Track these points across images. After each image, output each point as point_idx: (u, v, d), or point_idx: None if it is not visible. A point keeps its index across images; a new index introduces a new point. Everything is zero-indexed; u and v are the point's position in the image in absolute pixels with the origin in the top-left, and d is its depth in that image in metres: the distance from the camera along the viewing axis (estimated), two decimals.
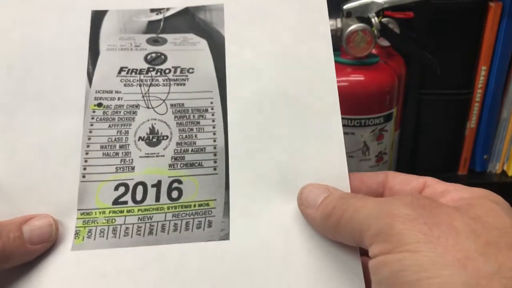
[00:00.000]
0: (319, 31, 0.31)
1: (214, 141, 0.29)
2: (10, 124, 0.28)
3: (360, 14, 0.50)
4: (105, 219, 0.27)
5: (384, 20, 0.54)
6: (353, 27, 0.49)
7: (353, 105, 0.50)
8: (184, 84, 0.30)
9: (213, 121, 0.29)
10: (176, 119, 0.29)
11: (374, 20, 0.50)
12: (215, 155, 0.28)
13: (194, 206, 0.27)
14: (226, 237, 0.26)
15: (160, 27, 0.31)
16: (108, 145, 0.28)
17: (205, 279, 0.25)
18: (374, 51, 0.53)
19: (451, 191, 0.24)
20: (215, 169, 0.28)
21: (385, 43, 0.57)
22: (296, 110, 0.29)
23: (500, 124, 0.65)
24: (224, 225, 0.27)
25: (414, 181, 0.26)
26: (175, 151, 0.28)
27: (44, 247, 0.25)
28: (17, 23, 0.30)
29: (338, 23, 0.50)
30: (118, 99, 0.29)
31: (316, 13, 0.31)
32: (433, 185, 0.25)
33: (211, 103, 0.29)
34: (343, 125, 0.51)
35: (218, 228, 0.27)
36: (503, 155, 0.66)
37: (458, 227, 0.20)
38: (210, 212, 0.27)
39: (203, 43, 0.31)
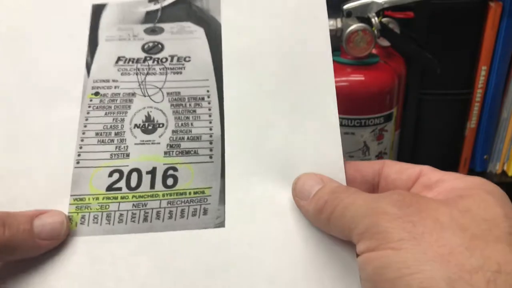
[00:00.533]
0: (316, 17, 0.31)
1: (210, 129, 0.29)
2: (10, 113, 0.29)
3: (360, 14, 0.50)
4: (99, 205, 0.27)
5: (384, 20, 0.54)
6: (353, 27, 0.49)
7: (353, 105, 0.50)
8: (180, 73, 0.30)
9: (209, 109, 0.29)
10: (172, 107, 0.29)
11: (374, 20, 0.50)
12: (211, 143, 0.28)
13: (190, 193, 0.27)
14: (221, 224, 0.26)
15: (158, 16, 0.32)
16: (104, 132, 0.28)
17: (200, 267, 0.25)
18: (374, 51, 0.53)
19: (446, 180, 0.24)
20: (211, 157, 0.28)
21: (385, 43, 0.57)
22: (293, 98, 0.29)
23: (500, 124, 0.65)
24: (219, 213, 0.27)
25: (409, 170, 0.26)
26: (171, 138, 0.28)
27: (52, 244, 0.25)
28: (18, 14, 0.31)
29: (338, 23, 0.50)
30: (115, 87, 0.30)
31: None
32: (428, 173, 0.25)
33: (208, 91, 0.30)
34: (343, 125, 0.51)
35: (213, 215, 0.27)
36: (503, 155, 0.66)
37: (444, 222, 0.20)
38: (205, 200, 0.27)
39: (199, 31, 0.31)
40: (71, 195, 0.27)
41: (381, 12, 0.55)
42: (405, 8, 0.56)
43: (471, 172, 0.68)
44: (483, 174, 0.67)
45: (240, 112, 0.29)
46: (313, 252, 0.25)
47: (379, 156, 0.55)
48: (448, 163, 0.66)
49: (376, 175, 0.27)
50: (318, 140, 0.28)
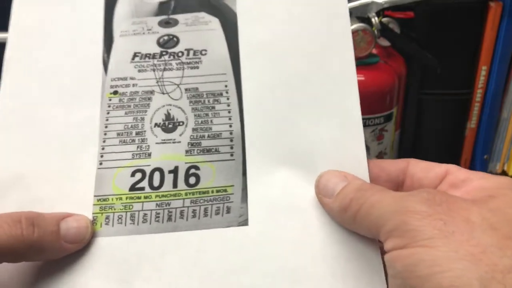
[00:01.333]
0: (337, 6, 0.29)
1: (230, 126, 0.28)
2: (32, 115, 0.28)
3: (360, 14, 0.50)
4: (122, 205, 0.26)
5: (384, 20, 0.54)
6: (353, 27, 0.49)
7: None
8: (197, 67, 0.29)
9: (228, 105, 0.28)
10: (191, 104, 0.29)
11: (374, 20, 0.50)
12: (231, 140, 0.28)
13: (212, 192, 0.27)
14: (245, 222, 0.26)
15: (171, 7, 0.31)
16: (125, 132, 0.28)
17: (225, 266, 0.25)
18: (374, 51, 0.53)
19: (473, 179, 0.24)
20: (232, 154, 0.28)
21: (385, 43, 0.57)
22: (313, 92, 0.28)
23: (500, 124, 0.65)
24: (242, 211, 0.26)
25: (436, 169, 0.26)
26: (191, 137, 0.28)
27: (76, 247, 0.25)
28: (38, 19, 0.30)
29: None
30: (133, 85, 0.29)
31: None
32: (455, 172, 0.25)
33: (226, 86, 0.29)
34: None
35: (236, 214, 0.26)
36: (503, 155, 0.66)
37: (474, 222, 0.20)
38: (228, 198, 0.27)
39: (215, 22, 0.30)
40: (94, 196, 0.27)
41: (381, 12, 0.55)
42: (405, 8, 0.56)
43: None
44: None
45: (260, 108, 0.28)
46: (336, 249, 0.25)
47: (379, 156, 0.55)
48: (448, 163, 0.66)
49: (400, 174, 0.27)
50: (340, 136, 0.27)
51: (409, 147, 0.65)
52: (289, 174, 0.27)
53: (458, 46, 0.58)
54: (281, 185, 0.27)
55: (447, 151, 0.66)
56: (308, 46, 0.29)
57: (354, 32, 0.49)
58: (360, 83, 0.50)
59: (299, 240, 0.26)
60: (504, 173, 0.67)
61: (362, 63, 0.51)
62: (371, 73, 0.51)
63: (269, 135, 0.28)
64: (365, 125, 0.51)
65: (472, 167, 0.67)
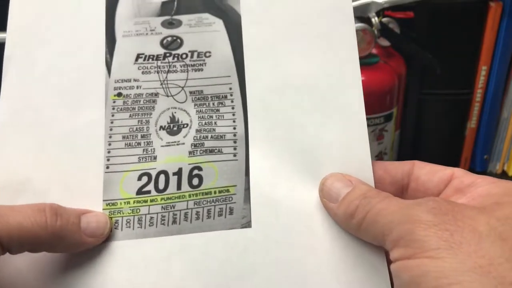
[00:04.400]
0: (341, 8, 0.29)
1: (234, 128, 0.28)
2: (38, 119, 0.28)
3: (360, 14, 0.50)
4: (130, 209, 0.26)
5: (384, 20, 0.54)
6: None
7: None
8: (202, 70, 0.29)
9: (233, 108, 0.28)
10: (195, 107, 0.28)
11: (374, 20, 0.50)
12: (235, 142, 0.28)
13: (215, 192, 0.27)
14: (248, 224, 0.26)
15: (174, 7, 0.30)
16: (130, 135, 0.28)
17: (229, 270, 0.25)
18: (374, 51, 0.53)
19: (479, 184, 0.23)
20: (235, 155, 0.27)
21: (385, 43, 0.57)
22: (319, 94, 0.28)
23: (500, 124, 0.65)
24: (245, 212, 0.26)
25: (441, 172, 0.25)
26: (195, 138, 0.28)
27: (95, 241, 0.25)
28: (36, 17, 0.30)
29: None
30: (137, 87, 0.29)
31: None
32: (461, 176, 0.25)
33: (230, 89, 0.29)
34: None
35: (239, 215, 0.26)
36: (503, 155, 0.66)
37: (482, 232, 0.19)
38: (230, 199, 0.27)
39: (219, 23, 0.30)
40: (103, 200, 0.27)
41: (381, 12, 0.55)
42: (405, 8, 0.56)
43: (472, 172, 0.67)
44: (483, 174, 0.67)
45: (264, 109, 0.28)
46: (341, 254, 0.25)
47: (379, 156, 0.55)
48: (448, 163, 0.66)
49: (405, 176, 0.26)
50: (345, 138, 0.27)
51: (409, 147, 0.65)
52: (292, 176, 0.27)
53: (458, 46, 0.58)
54: (285, 186, 0.27)
55: (447, 151, 0.66)
56: (312, 47, 0.29)
57: None
58: None
59: (303, 243, 0.25)
60: (504, 173, 0.67)
61: (362, 63, 0.51)
62: (371, 73, 0.51)
63: (273, 136, 0.28)
64: None
65: (472, 167, 0.67)
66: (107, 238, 0.26)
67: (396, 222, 0.21)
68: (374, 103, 0.52)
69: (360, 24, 0.49)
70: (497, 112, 0.64)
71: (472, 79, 0.61)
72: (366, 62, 0.52)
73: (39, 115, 0.28)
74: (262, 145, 0.27)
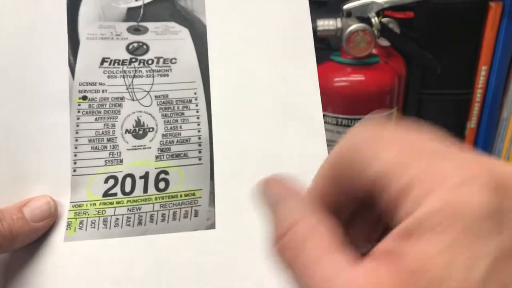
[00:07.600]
0: (300, 21, 0.31)
1: (199, 131, 0.29)
2: (2, 119, 0.28)
3: (360, 14, 0.50)
4: (96, 211, 0.27)
5: (384, 20, 0.54)
6: (353, 27, 0.49)
7: (353, 105, 0.50)
8: (167, 75, 0.30)
9: (197, 111, 0.29)
10: (161, 110, 0.29)
11: (374, 20, 0.50)
12: (199, 145, 0.28)
13: (181, 196, 0.27)
14: (212, 226, 0.27)
15: (140, 14, 0.31)
16: (96, 139, 0.28)
17: (192, 268, 0.26)
18: (374, 51, 0.53)
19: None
20: (200, 159, 0.28)
21: (385, 43, 0.57)
22: (279, 98, 0.29)
23: (500, 124, 0.65)
24: (210, 214, 0.27)
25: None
26: (161, 142, 0.28)
27: (47, 223, 0.26)
28: None
29: (338, 23, 0.50)
30: (103, 91, 0.29)
31: None
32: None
33: (195, 93, 0.30)
34: (343, 125, 0.51)
35: (204, 217, 0.27)
36: (503, 155, 0.66)
37: None
38: (196, 202, 0.27)
39: (184, 32, 0.31)
40: (70, 202, 0.27)
41: (381, 12, 0.55)
42: (405, 8, 0.56)
43: None
44: None
45: (228, 114, 0.29)
46: None
47: None
48: None
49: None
50: (304, 140, 0.28)
51: None
52: (256, 178, 0.27)
53: (458, 46, 0.58)
54: (248, 188, 0.27)
55: None
56: (274, 56, 0.30)
57: (354, 32, 0.49)
58: (360, 83, 0.51)
59: (265, 245, 0.26)
60: None
61: (362, 63, 0.51)
62: (371, 73, 0.51)
63: (236, 139, 0.28)
64: None
65: None
66: (71, 238, 0.26)
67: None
68: (374, 103, 0.51)
69: (360, 24, 0.49)
70: (497, 112, 0.64)
71: (472, 79, 0.61)
72: (366, 62, 0.52)
73: (2, 115, 0.27)
74: (225, 148, 0.28)
